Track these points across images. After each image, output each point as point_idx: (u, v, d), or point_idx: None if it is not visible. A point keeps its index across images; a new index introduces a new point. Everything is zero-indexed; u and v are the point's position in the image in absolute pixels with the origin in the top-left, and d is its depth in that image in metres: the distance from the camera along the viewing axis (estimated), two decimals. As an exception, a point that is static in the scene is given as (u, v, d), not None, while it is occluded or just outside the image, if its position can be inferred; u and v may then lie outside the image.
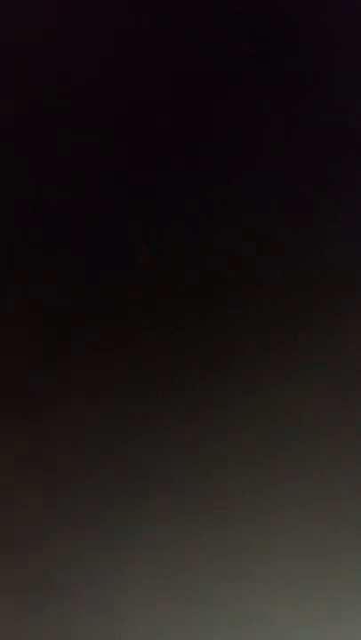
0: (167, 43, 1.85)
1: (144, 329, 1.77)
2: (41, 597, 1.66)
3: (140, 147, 1.83)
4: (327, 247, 1.80)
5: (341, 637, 1.62)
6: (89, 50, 1.85)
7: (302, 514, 1.68)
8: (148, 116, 1.84)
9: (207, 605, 1.65)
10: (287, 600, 1.64)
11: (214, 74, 1.85)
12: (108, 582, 1.67)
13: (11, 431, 1.73)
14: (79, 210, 1.81)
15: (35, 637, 1.65)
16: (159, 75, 1.85)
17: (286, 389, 1.73)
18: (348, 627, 1.63)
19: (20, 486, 1.71)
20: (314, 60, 1.85)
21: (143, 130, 1.83)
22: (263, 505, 1.68)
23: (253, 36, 1.86)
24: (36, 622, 1.65)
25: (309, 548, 1.66)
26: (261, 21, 1.86)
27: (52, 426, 1.73)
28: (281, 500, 1.68)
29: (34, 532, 1.69)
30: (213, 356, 1.76)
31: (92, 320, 1.78)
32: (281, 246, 1.80)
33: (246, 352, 1.75)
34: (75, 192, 1.81)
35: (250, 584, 1.65)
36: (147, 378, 1.75)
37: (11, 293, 1.78)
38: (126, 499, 1.70)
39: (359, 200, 1.82)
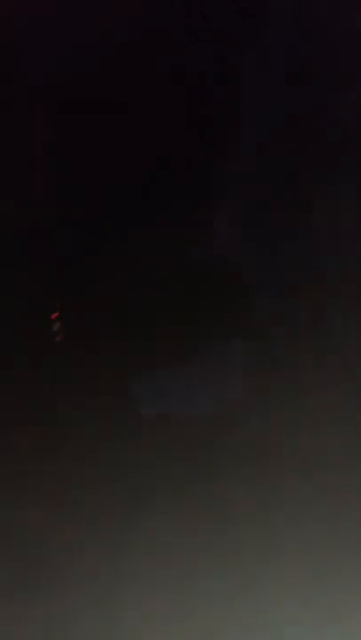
0: (167, 41, 1.86)
1: (143, 329, 1.77)
2: (41, 597, 1.66)
3: (139, 145, 1.83)
4: (327, 247, 1.80)
5: (342, 637, 1.62)
6: (88, 49, 1.85)
7: (303, 513, 1.68)
8: (146, 115, 1.84)
9: (207, 605, 1.65)
10: (287, 600, 1.64)
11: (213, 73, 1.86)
12: (108, 582, 1.67)
13: (10, 431, 1.73)
14: (78, 211, 1.81)
15: (35, 637, 1.65)
16: (157, 74, 1.85)
17: (287, 389, 1.74)
18: (348, 627, 1.63)
19: (20, 486, 1.71)
20: (314, 59, 1.86)
21: (142, 128, 1.83)
22: (263, 505, 1.68)
23: (253, 35, 1.86)
24: (36, 622, 1.65)
25: (310, 547, 1.67)
26: (262, 20, 1.86)
27: (52, 426, 1.74)
28: (281, 499, 1.69)
29: (34, 532, 1.69)
30: (213, 356, 1.76)
31: (91, 320, 1.78)
32: (281, 245, 1.80)
33: (246, 353, 1.76)
34: (74, 191, 1.81)
35: (250, 584, 1.65)
36: (147, 378, 1.76)
37: (10, 293, 1.78)
38: (126, 498, 1.70)
39: (359, 200, 1.82)
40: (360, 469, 1.70)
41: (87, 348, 1.77)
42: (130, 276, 1.80)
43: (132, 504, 1.69)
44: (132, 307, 1.79)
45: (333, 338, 1.76)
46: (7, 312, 1.78)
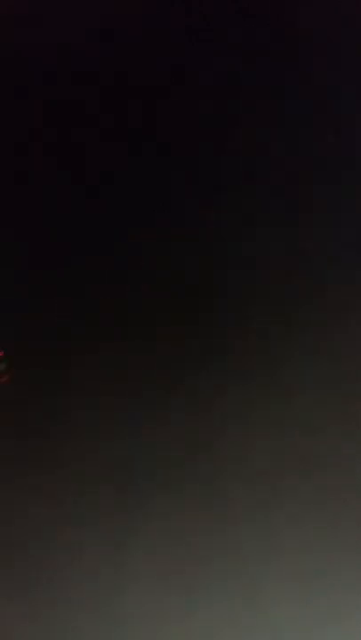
0: (167, 41, 1.86)
1: (144, 329, 1.77)
2: (41, 597, 1.66)
3: (139, 145, 1.83)
4: (326, 247, 1.80)
5: (342, 637, 1.62)
6: (88, 49, 1.85)
7: (303, 513, 1.68)
8: (145, 116, 1.84)
9: (207, 605, 1.65)
10: (287, 600, 1.64)
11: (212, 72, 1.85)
12: (108, 582, 1.67)
13: (10, 431, 1.73)
14: (79, 211, 1.81)
15: (35, 637, 1.65)
16: (157, 73, 1.85)
17: (287, 390, 1.73)
18: (348, 627, 1.63)
19: (20, 486, 1.71)
20: (314, 61, 1.86)
21: (142, 127, 1.83)
22: (263, 505, 1.68)
23: (254, 37, 1.86)
24: (36, 622, 1.65)
25: (310, 547, 1.67)
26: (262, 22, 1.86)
27: (52, 425, 1.73)
28: (281, 499, 1.68)
29: (34, 531, 1.69)
30: (213, 356, 1.76)
31: (91, 320, 1.78)
32: (281, 246, 1.80)
33: (246, 354, 1.76)
34: (74, 190, 1.81)
35: (250, 584, 1.65)
36: (146, 378, 1.76)
37: (10, 293, 1.78)
38: (127, 498, 1.70)
39: (359, 201, 1.82)
40: (360, 469, 1.70)
41: (87, 348, 1.77)
42: (130, 276, 1.80)
43: (132, 504, 1.69)
44: (132, 307, 1.79)
45: (332, 337, 1.76)
46: (7, 312, 1.78)
